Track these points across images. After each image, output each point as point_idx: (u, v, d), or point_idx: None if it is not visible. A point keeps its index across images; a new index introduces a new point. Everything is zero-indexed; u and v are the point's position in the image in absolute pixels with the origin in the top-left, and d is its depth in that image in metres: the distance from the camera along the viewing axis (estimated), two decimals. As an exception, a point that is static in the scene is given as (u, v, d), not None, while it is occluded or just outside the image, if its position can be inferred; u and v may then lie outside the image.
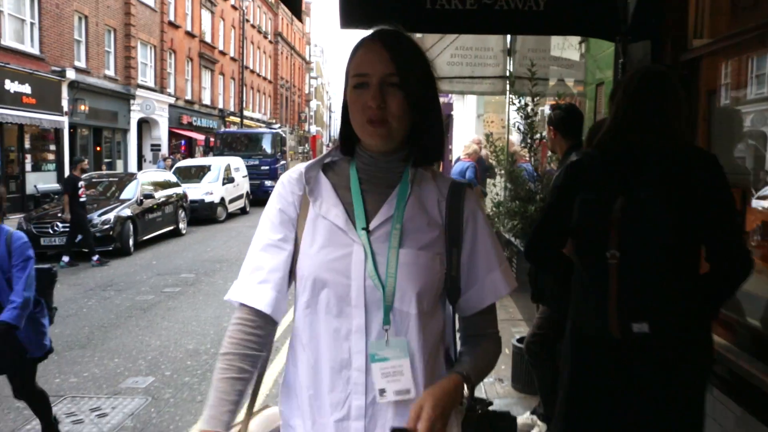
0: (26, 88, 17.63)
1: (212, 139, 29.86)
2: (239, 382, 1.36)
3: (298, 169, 1.47)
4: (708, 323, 2.06)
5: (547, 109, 6.18)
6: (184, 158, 25.85)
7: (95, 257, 10.86)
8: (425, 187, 1.42)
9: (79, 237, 10.89)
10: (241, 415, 1.43)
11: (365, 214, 1.38)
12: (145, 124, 27.07)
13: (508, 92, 7.48)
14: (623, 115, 2.07)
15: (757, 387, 2.27)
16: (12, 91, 16.87)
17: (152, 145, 27.64)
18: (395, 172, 1.42)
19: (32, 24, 18.42)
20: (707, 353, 2.04)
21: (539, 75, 5.51)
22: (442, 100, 1.52)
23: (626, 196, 1.94)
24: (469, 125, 14.60)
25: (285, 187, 1.45)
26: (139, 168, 24.22)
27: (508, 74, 7.36)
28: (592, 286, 2.02)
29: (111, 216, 11.79)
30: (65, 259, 10.70)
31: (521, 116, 4.75)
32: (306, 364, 1.39)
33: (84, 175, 12.59)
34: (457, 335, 1.51)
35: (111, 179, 14.22)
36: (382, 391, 1.32)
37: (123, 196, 13.03)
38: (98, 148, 23.18)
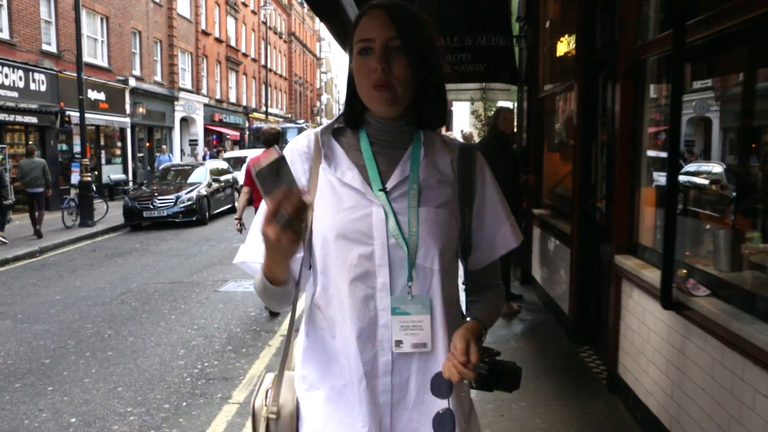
0: (101, 96, 21.50)
1: (245, 134, 33.79)
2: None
3: (306, 136, 1.48)
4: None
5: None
6: (216, 150, 29.77)
7: None
8: (437, 149, 1.45)
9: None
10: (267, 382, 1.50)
11: (379, 175, 1.39)
12: (183, 122, 30.90)
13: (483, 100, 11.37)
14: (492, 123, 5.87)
15: (554, 226, 6.00)
16: (93, 98, 20.71)
17: (190, 140, 31.50)
18: (404, 135, 1.43)
19: (102, 42, 22.26)
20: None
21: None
22: None
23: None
24: (465, 117, 18.40)
25: (294, 155, 1.45)
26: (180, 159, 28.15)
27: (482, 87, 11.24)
28: None
29: (194, 194, 15.64)
30: None
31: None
32: (328, 326, 1.41)
33: (163, 165, 16.54)
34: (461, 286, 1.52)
35: (186, 167, 18.09)
36: (398, 342, 1.35)
37: (193, 179, 16.81)
38: (148, 144, 27.05)
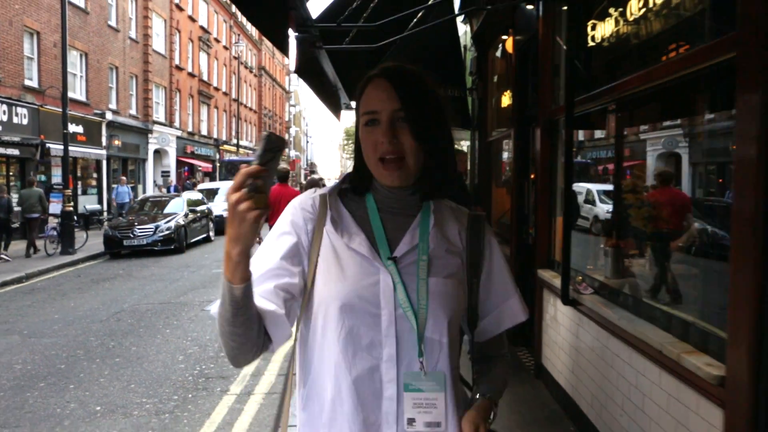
0: (79, 129, 22.26)
1: (218, 166, 34.67)
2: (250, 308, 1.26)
3: (311, 196, 1.44)
4: None
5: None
6: (192, 182, 30.51)
7: None
8: (445, 217, 1.43)
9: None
10: None
11: (387, 243, 1.36)
12: (156, 154, 31.64)
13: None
14: None
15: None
16: (71, 131, 21.38)
17: (162, 172, 32.18)
18: (413, 203, 1.41)
19: (81, 77, 23.09)
20: None
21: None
22: None
23: None
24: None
25: (298, 214, 1.41)
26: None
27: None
28: None
29: (172, 224, 16.46)
30: None
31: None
32: (326, 397, 1.35)
33: (140, 196, 17.30)
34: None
35: (162, 198, 18.92)
36: (411, 421, 1.31)
37: (169, 210, 17.60)
38: (123, 176, 27.70)
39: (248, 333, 1.27)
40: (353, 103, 1.50)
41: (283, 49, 3.68)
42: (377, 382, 1.32)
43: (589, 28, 4.10)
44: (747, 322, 2.12)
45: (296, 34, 3.79)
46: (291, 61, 4.14)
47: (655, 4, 3.17)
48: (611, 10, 3.75)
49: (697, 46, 2.65)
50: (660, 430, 2.83)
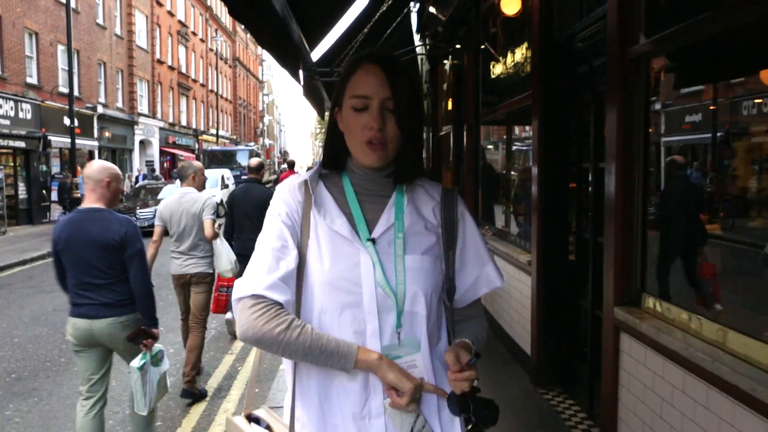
0: (75, 122, 24.02)
1: (198, 155, 36.48)
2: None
3: (297, 179, 1.53)
4: None
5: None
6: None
7: None
8: (419, 195, 1.52)
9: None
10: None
11: (366, 223, 1.45)
12: (141, 145, 33.40)
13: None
14: None
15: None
16: (68, 124, 23.23)
17: (147, 162, 34.00)
18: (388, 183, 1.50)
19: (74, 73, 24.79)
20: None
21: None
22: None
23: None
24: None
25: (288, 195, 1.50)
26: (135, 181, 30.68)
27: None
28: None
29: (170, 207, 18.51)
30: None
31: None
32: (316, 370, 1.44)
33: (139, 183, 19.27)
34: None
35: (158, 185, 20.94)
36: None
37: (163, 196, 19.54)
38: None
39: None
40: None
41: (297, 80, 5.90)
42: None
43: (491, 66, 6.37)
44: (537, 233, 4.44)
45: (304, 73, 5.99)
46: (300, 87, 6.39)
47: (516, 62, 5.45)
48: (500, 58, 6.03)
49: (524, 93, 4.94)
50: (514, 300, 5.17)
